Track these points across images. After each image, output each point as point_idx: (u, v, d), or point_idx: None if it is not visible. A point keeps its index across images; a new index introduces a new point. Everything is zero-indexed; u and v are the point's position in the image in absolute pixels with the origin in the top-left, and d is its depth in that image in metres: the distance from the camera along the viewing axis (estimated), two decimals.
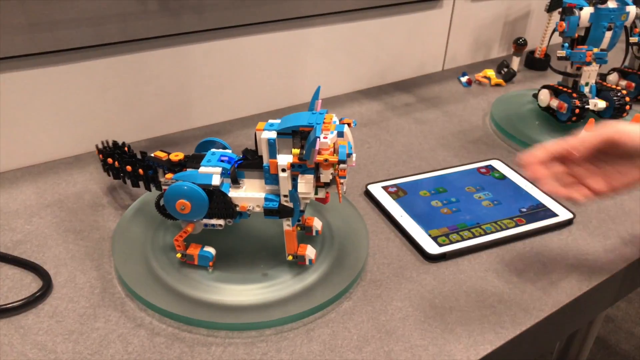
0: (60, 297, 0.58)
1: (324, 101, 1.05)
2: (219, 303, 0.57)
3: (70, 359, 0.51)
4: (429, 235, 0.68)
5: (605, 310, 1.26)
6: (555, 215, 0.74)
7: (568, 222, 0.73)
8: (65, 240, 0.66)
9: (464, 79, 1.17)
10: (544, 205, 0.76)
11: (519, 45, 1.18)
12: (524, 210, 0.75)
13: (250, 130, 0.94)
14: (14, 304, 0.55)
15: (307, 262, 0.61)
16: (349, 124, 0.57)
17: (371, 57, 1.10)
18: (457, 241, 0.68)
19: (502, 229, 0.71)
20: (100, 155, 0.70)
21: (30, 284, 0.59)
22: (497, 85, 1.17)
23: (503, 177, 0.82)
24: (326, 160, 0.52)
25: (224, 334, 0.55)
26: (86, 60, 0.78)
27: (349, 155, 0.54)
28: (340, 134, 0.54)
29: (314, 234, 0.66)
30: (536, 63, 1.27)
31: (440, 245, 0.67)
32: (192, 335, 0.54)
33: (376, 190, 0.77)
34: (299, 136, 0.54)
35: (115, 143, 0.70)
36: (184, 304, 0.56)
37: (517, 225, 0.71)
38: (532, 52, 1.28)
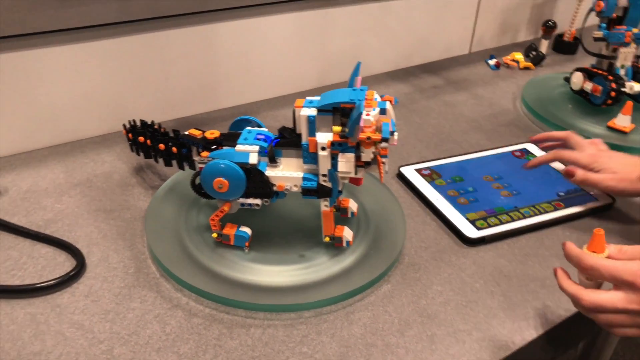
0: (95, 277, 0.57)
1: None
2: (257, 284, 0.55)
3: (108, 339, 0.50)
4: (467, 219, 0.67)
5: None
6: (594, 199, 0.72)
7: (608, 207, 0.71)
8: (96, 219, 0.65)
9: (492, 62, 1.14)
10: (582, 190, 0.74)
11: (548, 27, 1.15)
12: (562, 194, 0.73)
13: (277, 112, 0.92)
14: (49, 283, 0.54)
15: (345, 244, 0.60)
16: (390, 101, 0.55)
17: (398, 38, 1.07)
18: (496, 225, 0.66)
19: (541, 213, 0.69)
20: (130, 135, 0.69)
21: (63, 263, 0.58)
22: (526, 68, 1.14)
23: None
24: (369, 138, 0.51)
25: (263, 315, 0.53)
26: (113, 37, 0.77)
27: (392, 133, 0.52)
28: (383, 111, 0.53)
29: (349, 215, 0.64)
30: (565, 46, 1.24)
31: (478, 228, 0.65)
32: (230, 317, 0.53)
33: (409, 172, 0.75)
34: (340, 113, 0.53)
35: (143, 122, 0.68)
36: (221, 285, 0.55)
37: (555, 209, 0.69)
38: (561, 35, 1.25)
